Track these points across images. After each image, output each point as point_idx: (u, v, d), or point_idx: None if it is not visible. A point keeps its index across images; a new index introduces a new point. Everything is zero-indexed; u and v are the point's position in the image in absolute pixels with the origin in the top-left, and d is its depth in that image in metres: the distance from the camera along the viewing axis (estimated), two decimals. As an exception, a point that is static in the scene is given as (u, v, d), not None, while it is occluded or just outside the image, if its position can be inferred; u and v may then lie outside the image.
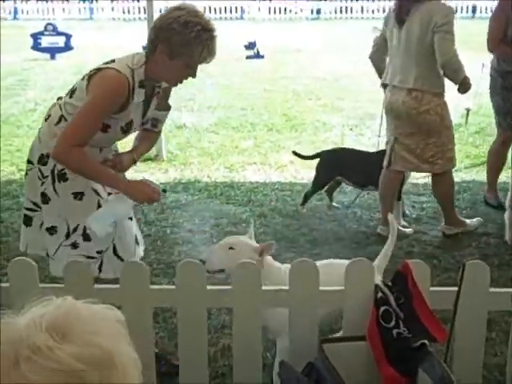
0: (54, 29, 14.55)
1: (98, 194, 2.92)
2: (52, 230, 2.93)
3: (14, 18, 24.03)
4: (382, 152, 4.87)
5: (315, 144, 7.17)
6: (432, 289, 2.55)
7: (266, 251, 2.97)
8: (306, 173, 6.11)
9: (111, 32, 20.08)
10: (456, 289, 2.53)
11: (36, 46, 14.35)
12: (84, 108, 2.76)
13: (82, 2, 25.64)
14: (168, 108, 3.12)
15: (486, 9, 24.11)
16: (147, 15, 6.71)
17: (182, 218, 5.08)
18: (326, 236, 4.77)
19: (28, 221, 3.04)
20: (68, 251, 2.92)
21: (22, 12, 24.54)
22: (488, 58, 5.31)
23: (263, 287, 2.56)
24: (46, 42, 14.37)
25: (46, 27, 14.55)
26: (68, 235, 2.92)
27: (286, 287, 2.57)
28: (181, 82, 2.90)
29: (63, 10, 25.03)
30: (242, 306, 2.57)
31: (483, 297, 2.55)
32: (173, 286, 2.61)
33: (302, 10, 24.78)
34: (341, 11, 24.48)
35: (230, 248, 2.99)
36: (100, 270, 2.97)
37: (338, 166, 5.09)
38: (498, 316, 3.28)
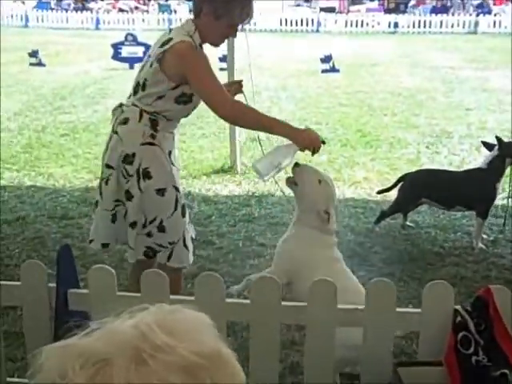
0: (134, 39, 14.88)
1: (177, 190, 3.15)
2: (133, 225, 3.13)
3: (96, 28, 24.75)
4: (469, 171, 4.82)
5: (390, 161, 7.08)
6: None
7: None
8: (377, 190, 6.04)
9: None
10: (539, 318, 2.44)
11: (116, 56, 14.71)
12: (196, 75, 3.00)
13: (161, 13, 26.18)
14: None
15: None
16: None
17: (254, 231, 5.10)
18: (399, 256, 4.69)
19: (114, 218, 3.22)
20: (144, 239, 3.14)
21: (104, 22, 25.24)
22: None
23: (338, 306, 2.54)
24: (125, 51, 14.70)
25: (126, 37, 14.89)
26: (145, 225, 3.13)
27: (362, 306, 2.54)
28: (223, 42, 3.17)
29: (143, 20, 25.61)
30: (316, 324, 2.55)
31: None
32: (247, 301, 2.61)
33: (378, 24, 24.58)
34: (419, 25, 24.16)
35: (319, 181, 3.13)
36: (169, 259, 3.18)
37: (424, 189, 4.99)
38: None
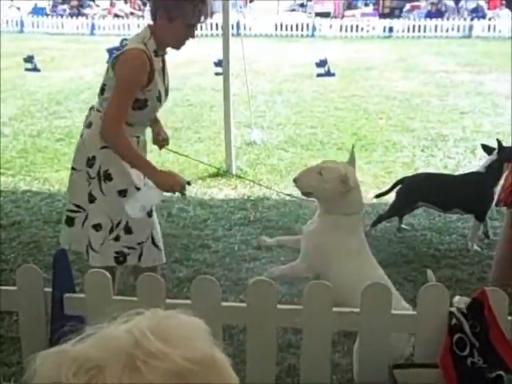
0: (129, 44, 14.92)
1: (138, 189, 3.18)
2: (98, 227, 3.20)
3: (92, 33, 24.72)
4: (467, 174, 4.92)
5: (385, 164, 7.09)
6: (510, 318, 2.48)
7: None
8: (375, 193, 6.05)
9: (183, 47, 20.40)
10: (535, 319, 2.45)
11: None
12: (117, 88, 3.04)
13: (156, 19, 26.19)
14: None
15: None
16: (223, 30, 6.80)
17: (250, 234, 5.10)
18: (394, 258, 4.69)
19: (70, 222, 3.31)
20: (111, 244, 3.21)
21: (99, 28, 25.21)
22: None
23: (334, 309, 2.54)
24: (121, 57, 14.73)
25: (121, 43, 14.88)
26: (112, 230, 3.20)
27: (357, 310, 2.54)
28: (183, 45, 3.17)
29: (138, 26, 25.56)
30: (312, 327, 2.56)
31: None
32: (244, 304, 2.61)
33: (373, 28, 24.59)
34: (414, 30, 24.20)
35: (319, 173, 3.09)
36: (139, 260, 3.27)
37: (422, 192, 4.99)
38: None
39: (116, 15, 27.50)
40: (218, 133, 8.20)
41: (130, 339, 0.80)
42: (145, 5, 29.59)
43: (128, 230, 3.22)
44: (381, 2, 30.75)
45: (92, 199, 3.20)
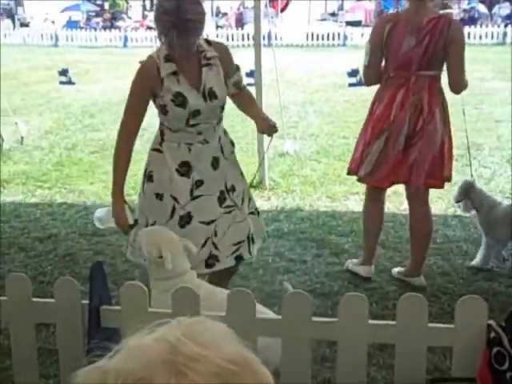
0: (162, 56, 15.05)
1: (175, 200, 3.31)
2: (135, 223, 3.36)
3: (124, 45, 25.03)
4: None
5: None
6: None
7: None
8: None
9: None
10: None
11: (144, 73, 14.86)
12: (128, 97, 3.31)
13: (188, 31, 26.41)
14: (234, 71, 3.45)
15: None
16: (255, 40, 6.83)
17: (283, 246, 5.09)
18: (430, 270, 4.64)
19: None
20: None
21: (132, 40, 25.52)
22: None
23: (369, 321, 2.53)
24: (153, 69, 14.86)
25: (153, 55, 15.07)
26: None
27: (394, 322, 2.52)
28: (183, 51, 3.19)
29: (170, 38, 25.88)
30: (347, 339, 2.54)
31: None
32: (279, 317, 2.61)
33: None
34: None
35: None
36: None
37: None
38: None
39: (148, 27, 27.79)
40: (250, 144, 8.22)
41: (165, 346, 0.81)
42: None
43: None
44: (413, 11, 30.55)
45: (141, 195, 3.46)
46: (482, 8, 27.12)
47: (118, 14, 29.99)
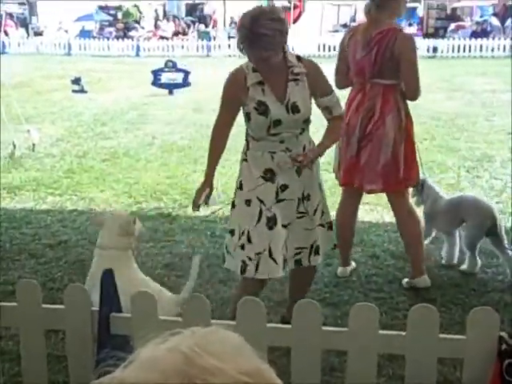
0: (174, 65, 15.08)
1: (262, 202, 3.44)
2: (232, 232, 3.53)
3: (137, 55, 25.16)
4: None
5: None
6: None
7: None
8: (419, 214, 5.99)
9: (227, 68, 20.60)
10: None
11: (156, 82, 14.91)
12: None
13: (200, 40, 26.52)
14: (327, 93, 3.50)
15: None
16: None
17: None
18: (440, 280, 4.62)
19: None
20: (239, 251, 3.49)
21: (144, 49, 25.65)
22: None
23: (379, 331, 2.51)
24: (165, 78, 14.90)
25: (166, 64, 15.11)
26: (240, 237, 3.48)
27: (403, 333, 2.51)
28: (263, 63, 3.32)
29: (182, 47, 25.98)
30: (357, 349, 2.53)
31: None
32: (289, 326, 2.60)
33: (417, 48, 24.48)
34: (458, 50, 24.02)
35: None
36: (256, 271, 3.46)
37: None
38: None
39: (161, 37, 27.94)
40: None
41: (179, 357, 0.80)
42: (189, 27, 30.02)
43: (249, 240, 3.44)
44: (425, 22, 30.59)
45: (233, 205, 3.58)
46: (495, 21, 27.07)
47: (130, 24, 30.16)
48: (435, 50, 24.08)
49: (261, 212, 3.44)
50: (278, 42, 3.26)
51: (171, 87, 14.80)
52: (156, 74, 14.96)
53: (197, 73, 16.20)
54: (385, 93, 4.27)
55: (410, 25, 29.57)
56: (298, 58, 3.47)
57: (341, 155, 4.49)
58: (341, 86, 4.51)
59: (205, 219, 5.93)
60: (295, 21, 27.83)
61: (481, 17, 28.01)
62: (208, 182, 3.57)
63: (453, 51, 24.19)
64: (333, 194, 5.98)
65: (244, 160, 3.54)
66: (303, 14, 29.67)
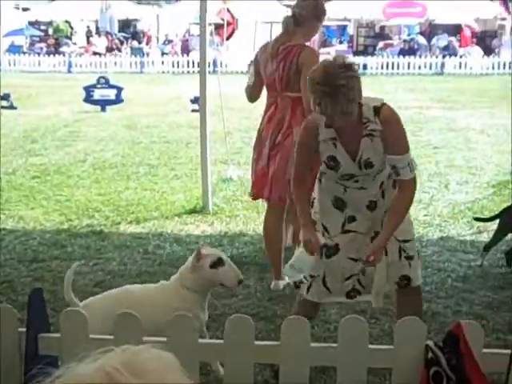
0: (106, 82, 14.94)
1: (325, 228, 3.40)
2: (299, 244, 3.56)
3: (69, 71, 24.81)
4: None
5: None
6: (484, 350, 2.50)
7: None
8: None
9: (160, 85, 20.56)
10: (509, 351, 2.47)
11: (88, 99, 14.73)
12: None
13: (133, 56, 26.36)
14: (399, 152, 3.22)
15: None
16: (200, 67, 6.86)
17: (227, 270, 5.08)
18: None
19: None
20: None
21: (76, 65, 25.33)
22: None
23: (311, 344, 2.54)
24: (97, 94, 14.74)
25: (98, 80, 14.95)
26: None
27: (335, 344, 2.55)
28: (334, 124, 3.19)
29: (115, 63, 25.77)
30: (289, 362, 2.55)
31: (538, 360, 2.48)
32: (220, 341, 2.60)
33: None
34: (387, 67, 24.65)
35: None
36: (307, 292, 3.45)
37: None
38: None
39: (94, 53, 27.63)
40: (194, 169, 8.22)
41: (103, 376, 0.80)
42: (122, 43, 29.80)
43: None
44: (355, 40, 31.27)
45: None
46: (422, 39, 27.91)
47: (61, 40, 29.72)
48: (365, 67, 24.62)
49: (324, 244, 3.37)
50: (358, 90, 3.06)
51: (104, 104, 14.64)
52: (88, 90, 14.79)
53: (130, 89, 16.10)
54: (293, 105, 4.44)
55: (341, 42, 30.21)
56: (376, 110, 3.19)
57: (253, 167, 4.74)
58: (253, 100, 4.89)
59: (137, 236, 5.88)
60: (228, 37, 27.94)
61: (408, 35, 28.81)
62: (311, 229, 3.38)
63: (382, 68, 24.82)
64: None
65: (318, 180, 3.45)
66: (236, 31, 29.85)
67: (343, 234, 3.37)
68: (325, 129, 3.22)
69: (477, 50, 26.21)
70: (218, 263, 3.43)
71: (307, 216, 3.38)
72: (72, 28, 30.92)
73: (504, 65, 24.21)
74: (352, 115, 3.10)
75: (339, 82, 2.96)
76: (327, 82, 2.97)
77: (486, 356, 2.47)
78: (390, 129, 3.19)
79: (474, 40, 27.72)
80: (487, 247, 5.14)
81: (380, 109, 3.19)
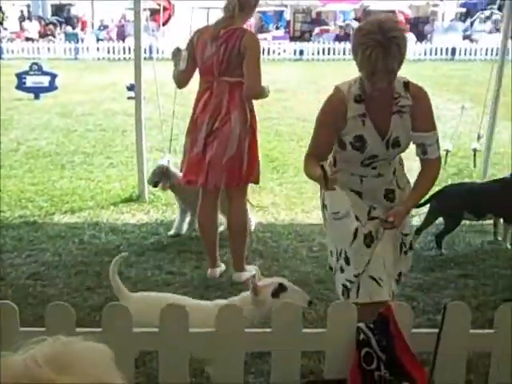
0: (39, 68, 14.59)
1: (356, 217, 3.19)
2: (331, 253, 3.33)
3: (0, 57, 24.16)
4: (497, 181, 5.60)
5: (296, 185, 7.20)
6: (413, 331, 2.57)
7: None
8: (287, 214, 6.17)
9: (96, 72, 20.20)
10: (437, 331, 2.55)
11: (20, 86, 14.37)
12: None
13: (67, 42, 25.82)
14: (427, 129, 3.15)
15: (466, 51, 24.58)
16: (135, 53, 6.78)
17: (163, 259, 5.07)
18: (306, 278, 4.75)
19: None
20: (338, 275, 3.29)
21: (8, 51, 24.64)
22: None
23: (246, 330, 2.57)
24: (30, 81, 14.39)
25: (31, 67, 14.59)
26: (338, 259, 3.26)
27: (269, 330, 2.58)
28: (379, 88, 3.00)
29: (48, 49, 25.18)
30: (224, 349, 2.57)
31: (464, 338, 2.57)
32: (155, 329, 2.59)
33: (284, 51, 25.11)
34: (323, 52, 24.86)
35: None
36: (357, 294, 3.20)
37: (465, 202, 5.34)
38: (475, 357, 3.27)
39: (27, 38, 26.92)
40: (130, 158, 8.14)
41: (20, 368, 0.80)
42: (55, 26, 29.11)
43: (347, 261, 3.21)
44: (291, 26, 31.41)
45: (324, 225, 3.42)
46: (356, 25, 28.22)
47: (-9, 25, 28.87)
48: (302, 52, 24.78)
49: (356, 229, 3.20)
50: (404, 55, 2.95)
51: (37, 91, 14.31)
52: (21, 77, 14.42)
53: (64, 76, 15.77)
54: (231, 90, 4.42)
55: (278, 28, 30.30)
56: (406, 85, 3.12)
57: (185, 154, 4.70)
58: (183, 85, 4.75)
59: (72, 226, 5.80)
60: (164, 23, 27.63)
61: (343, 21, 29.12)
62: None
63: (318, 54, 25.01)
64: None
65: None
66: (173, 16, 29.54)
67: (371, 221, 3.23)
68: (354, 104, 3.07)
69: (410, 37, 26.67)
70: (280, 290, 3.15)
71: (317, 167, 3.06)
72: (3, 13, 30.03)
73: (436, 51, 24.75)
74: (392, 81, 3.01)
75: (394, 34, 2.89)
76: (383, 31, 2.87)
77: (414, 336, 2.55)
78: (420, 104, 3.11)
79: (408, 26, 28.20)
80: (418, 230, 5.27)
81: (408, 84, 3.13)
